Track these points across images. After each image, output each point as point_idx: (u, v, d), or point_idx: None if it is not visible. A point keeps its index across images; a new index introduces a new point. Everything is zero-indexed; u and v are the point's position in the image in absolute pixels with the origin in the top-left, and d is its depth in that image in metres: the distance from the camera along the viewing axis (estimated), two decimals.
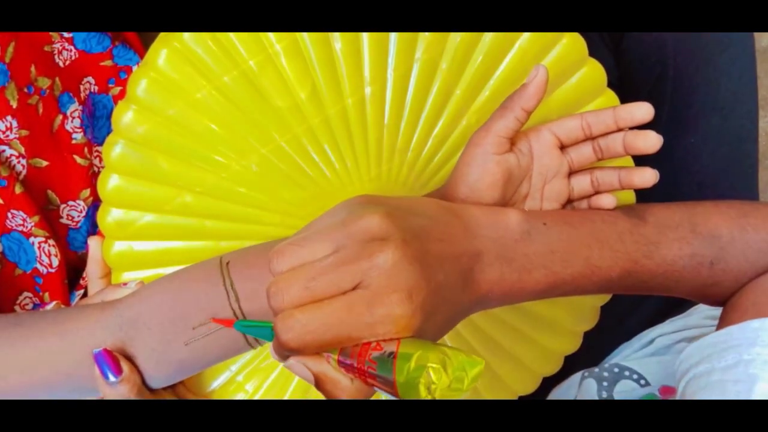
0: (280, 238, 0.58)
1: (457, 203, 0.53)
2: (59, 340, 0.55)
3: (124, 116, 0.59)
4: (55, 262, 0.68)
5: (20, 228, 0.67)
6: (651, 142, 0.53)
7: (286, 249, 0.44)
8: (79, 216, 0.71)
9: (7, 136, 0.66)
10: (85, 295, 0.67)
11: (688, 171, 0.78)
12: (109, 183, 0.61)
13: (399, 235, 0.43)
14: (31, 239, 0.67)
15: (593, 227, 0.53)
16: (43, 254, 0.68)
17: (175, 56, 0.58)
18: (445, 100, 0.63)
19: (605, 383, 0.72)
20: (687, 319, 0.77)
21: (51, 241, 0.68)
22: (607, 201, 0.56)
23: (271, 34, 0.58)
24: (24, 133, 0.67)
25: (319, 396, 0.65)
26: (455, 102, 0.63)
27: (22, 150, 0.67)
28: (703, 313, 0.77)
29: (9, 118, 0.66)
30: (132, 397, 0.55)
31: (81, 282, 0.71)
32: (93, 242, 0.64)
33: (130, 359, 0.55)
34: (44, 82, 0.69)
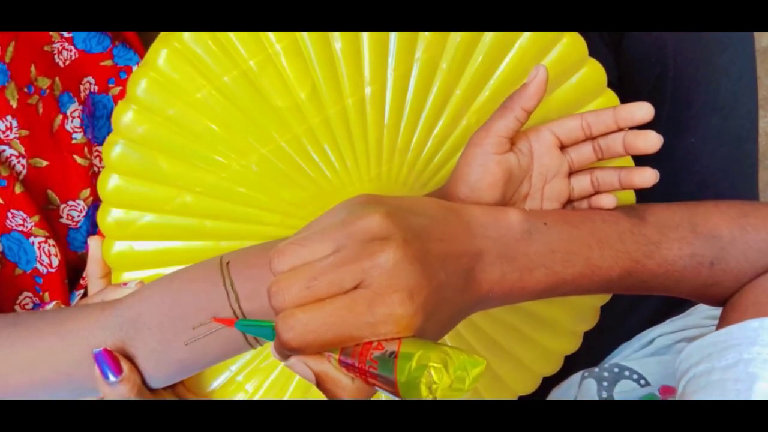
0: (280, 238, 0.58)
1: (457, 203, 0.53)
2: (59, 339, 0.55)
3: (124, 116, 0.59)
4: (55, 261, 0.68)
5: (20, 228, 0.67)
6: (651, 142, 0.53)
7: (287, 248, 0.44)
8: (79, 216, 0.71)
9: (7, 135, 0.66)
10: (85, 295, 0.67)
11: (688, 171, 0.78)
12: (109, 183, 0.61)
13: (400, 234, 0.43)
14: (31, 239, 0.67)
15: (594, 227, 0.53)
16: (43, 254, 0.68)
17: (175, 56, 0.58)
18: (445, 100, 0.63)
19: (605, 383, 0.72)
20: (687, 319, 0.77)
21: (51, 241, 0.68)
22: (607, 201, 0.56)
23: (271, 34, 0.58)
24: (24, 132, 0.67)
25: (319, 396, 0.65)
26: (455, 102, 0.63)
27: (22, 150, 0.67)
28: (703, 313, 0.77)
29: (9, 117, 0.66)
30: (132, 397, 0.55)
31: (81, 282, 0.71)
32: (93, 242, 0.64)
33: (130, 359, 0.55)
34: (44, 82, 0.69)
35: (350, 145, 0.61)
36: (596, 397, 0.72)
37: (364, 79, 0.60)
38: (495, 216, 0.50)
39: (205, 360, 0.56)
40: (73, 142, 0.70)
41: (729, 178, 0.79)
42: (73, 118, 0.71)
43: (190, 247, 0.62)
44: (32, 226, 0.67)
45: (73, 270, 0.72)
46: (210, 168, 0.60)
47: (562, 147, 0.57)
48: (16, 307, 0.68)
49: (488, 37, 0.62)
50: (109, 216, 0.61)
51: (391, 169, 0.63)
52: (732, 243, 0.53)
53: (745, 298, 0.53)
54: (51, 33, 0.70)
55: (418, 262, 0.43)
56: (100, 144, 0.72)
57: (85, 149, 0.71)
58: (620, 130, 0.55)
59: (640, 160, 0.59)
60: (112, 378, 0.54)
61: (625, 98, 0.62)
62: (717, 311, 0.56)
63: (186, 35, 0.58)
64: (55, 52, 0.71)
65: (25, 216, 0.67)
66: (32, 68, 0.68)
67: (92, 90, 0.73)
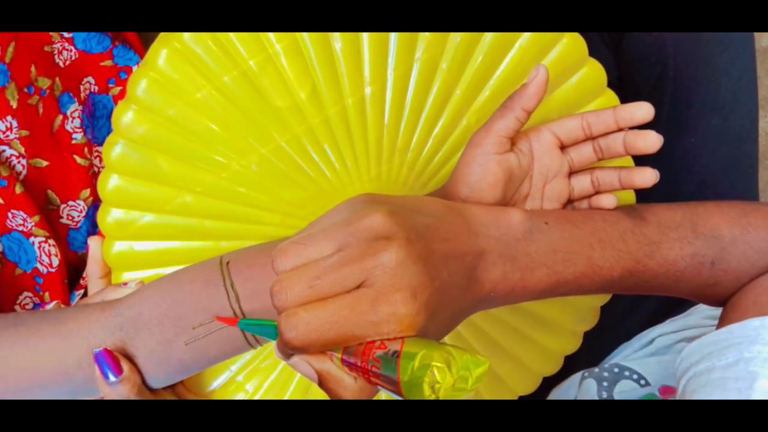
0: (280, 238, 0.58)
1: (459, 202, 0.53)
2: (59, 340, 0.55)
3: (124, 116, 0.59)
4: (55, 261, 0.68)
5: (20, 228, 0.67)
6: (651, 142, 0.53)
7: (290, 248, 0.44)
8: (79, 216, 0.71)
9: (7, 136, 0.66)
10: (85, 294, 0.67)
11: (688, 171, 0.78)
12: (109, 183, 0.61)
13: (403, 233, 0.43)
14: (32, 239, 0.67)
15: (595, 227, 0.53)
16: (43, 254, 0.68)
17: (175, 56, 0.58)
18: (445, 100, 0.63)
19: (605, 383, 0.72)
20: (687, 319, 0.77)
21: (51, 241, 0.68)
22: (607, 201, 0.56)
23: (271, 34, 0.58)
24: (24, 133, 0.67)
25: (319, 395, 0.65)
26: (455, 102, 0.63)
27: (22, 150, 0.67)
28: (703, 313, 0.77)
29: (9, 118, 0.66)
30: (132, 397, 0.55)
31: (81, 282, 0.71)
32: (93, 242, 0.64)
33: (130, 359, 0.55)
34: (44, 82, 0.69)
35: (350, 145, 0.61)
36: (596, 397, 0.72)
37: (364, 79, 0.60)
38: (496, 215, 0.50)
39: (205, 360, 0.56)
40: (73, 142, 0.70)
41: (729, 178, 0.79)
42: (73, 118, 0.71)
43: (190, 247, 0.62)
44: (32, 226, 0.67)
45: (73, 270, 0.72)
46: (210, 168, 0.60)
47: (563, 147, 0.57)
48: (17, 307, 0.68)
49: (488, 37, 0.62)
50: (109, 216, 0.61)
51: (391, 169, 0.63)
52: (733, 243, 0.53)
53: (745, 297, 0.53)
54: (51, 33, 0.70)
55: (421, 262, 0.43)
56: (100, 144, 0.72)
57: (85, 149, 0.71)
58: (620, 130, 0.55)
59: (640, 160, 0.59)
60: (112, 378, 0.54)
61: (625, 98, 0.62)
62: (717, 311, 0.56)
63: (186, 35, 0.58)
64: (55, 52, 0.71)
65: (25, 216, 0.67)
66: (32, 68, 0.68)
67: (92, 90, 0.73)
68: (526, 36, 0.62)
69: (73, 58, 0.72)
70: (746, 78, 0.77)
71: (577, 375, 0.75)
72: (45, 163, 0.69)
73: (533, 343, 0.69)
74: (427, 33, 0.60)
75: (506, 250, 0.49)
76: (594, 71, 0.64)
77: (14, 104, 0.66)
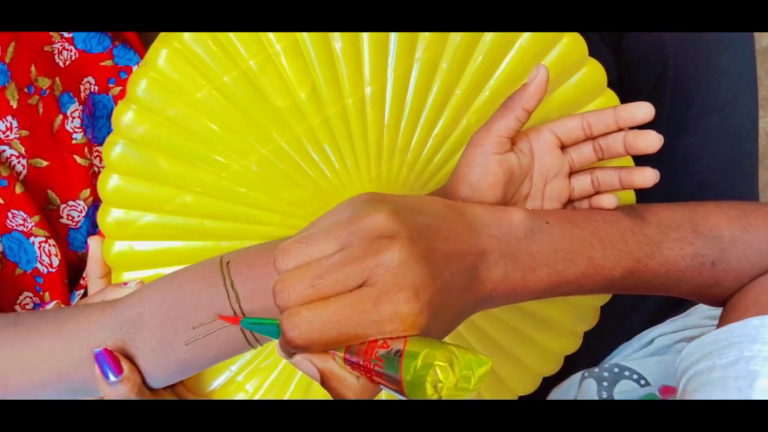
0: (280, 238, 0.58)
1: (460, 202, 0.53)
2: (59, 339, 0.55)
3: (124, 116, 0.59)
4: (56, 261, 0.68)
5: (20, 228, 0.67)
6: (651, 141, 0.53)
7: (292, 247, 0.44)
8: (79, 216, 0.71)
9: (8, 136, 0.66)
10: (85, 294, 0.67)
11: (688, 171, 0.78)
12: (109, 183, 0.61)
13: (406, 233, 0.43)
14: (32, 239, 0.67)
15: (596, 226, 0.53)
16: (43, 254, 0.68)
17: (175, 56, 0.58)
18: (445, 100, 0.63)
19: (605, 383, 0.72)
20: (687, 319, 0.77)
21: (51, 241, 0.68)
22: (608, 201, 0.56)
23: (271, 34, 0.58)
24: (24, 133, 0.67)
25: (319, 396, 0.65)
26: (455, 102, 0.63)
27: (22, 150, 0.67)
28: (703, 313, 0.77)
29: (9, 118, 0.66)
30: (132, 396, 0.55)
31: (81, 282, 0.71)
32: (93, 242, 0.64)
33: (130, 359, 0.55)
34: (44, 82, 0.69)
35: (350, 145, 0.61)
36: (596, 397, 0.72)
37: (364, 79, 0.60)
38: (498, 215, 0.50)
39: (205, 360, 0.56)
40: (73, 142, 0.70)
41: (729, 178, 0.79)
42: (73, 118, 0.71)
43: (190, 247, 0.62)
44: (32, 226, 0.67)
45: (73, 270, 0.72)
46: (210, 168, 0.60)
47: (563, 147, 0.57)
48: (17, 307, 0.68)
49: (488, 37, 0.62)
50: (109, 216, 0.61)
51: (391, 169, 0.63)
52: (733, 243, 0.53)
53: (745, 297, 0.53)
54: (51, 33, 0.70)
55: (423, 261, 0.43)
56: (100, 144, 0.72)
57: (85, 149, 0.71)
58: (620, 130, 0.55)
59: (640, 160, 0.59)
60: (112, 378, 0.54)
61: (625, 98, 0.62)
62: (717, 311, 0.56)
63: (186, 35, 0.58)
64: (55, 52, 0.71)
65: (25, 216, 0.67)
66: (32, 68, 0.68)
67: (92, 90, 0.73)
68: (526, 36, 0.62)
69: (73, 58, 0.72)
70: (746, 78, 0.77)
71: (577, 375, 0.75)
72: (45, 163, 0.69)
73: (533, 343, 0.69)
74: (427, 33, 0.60)
75: (508, 249, 0.49)
76: (594, 71, 0.64)
77: (14, 104, 0.66)
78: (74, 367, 0.55)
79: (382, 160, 0.62)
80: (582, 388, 0.73)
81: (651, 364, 0.74)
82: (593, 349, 0.75)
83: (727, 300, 0.54)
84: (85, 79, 0.72)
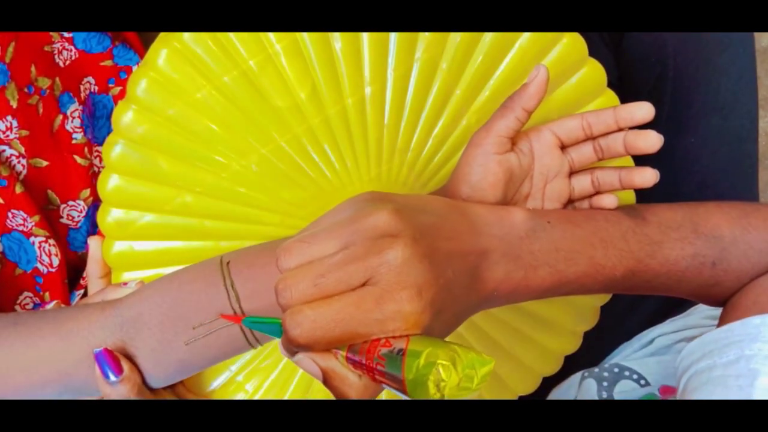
0: (280, 238, 0.58)
1: (461, 202, 0.53)
2: (59, 339, 0.55)
3: (124, 116, 0.59)
4: (56, 261, 0.68)
5: (20, 228, 0.67)
6: (651, 141, 0.53)
7: (294, 246, 0.44)
8: (79, 216, 0.71)
9: (8, 136, 0.66)
10: (85, 294, 0.67)
11: (688, 171, 0.78)
12: (109, 183, 0.61)
13: (409, 232, 0.43)
14: (32, 239, 0.67)
15: (597, 226, 0.53)
16: (43, 254, 0.68)
17: (175, 56, 0.58)
18: (445, 100, 0.63)
19: (605, 383, 0.72)
20: (687, 319, 0.77)
21: (51, 241, 0.68)
22: (608, 201, 0.56)
23: (271, 34, 0.58)
24: (24, 133, 0.67)
25: (319, 395, 0.65)
26: (455, 102, 0.63)
27: (23, 150, 0.67)
28: (703, 313, 0.77)
29: (9, 118, 0.66)
30: (132, 396, 0.55)
31: (81, 282, 0.71)
32: (93, 242, 0.64)
33: (130, 359, 0.55)
34: (44, 82, 0.69)
35: (350, 145, 0.61)
36: (596, 397, 0.72)
37: (364, 79, 0.60)
38: (499, 215, 0.50)
39: (205, 360, 0.56)
40: (73, 142, 0.70)
41: (729, 178, 0.79)
42: (73, 118, 0.71)
43: (190, 247, 0.62)
44: (32, 226, 0.67)
45: (73, 270, 0.72)
46: (210, 168, 0.60)
47: (563, 147, 0.57)
48: (17, 307, 0.68)
49: (488, 37, 0.62)
50: (109, 216, 0.61)
51: (391, 169, 0.63)
52: (733, 243, 0.53)
53: (746, 297, 0.53)
54: (51, 33, 0.70)
55: (426, 260, 0.43)
56: (100, 144, 0.72)
57: (85, 149, 0.71)
58: (620, 129, 0.55)
59: (640, 160, 0.59)
60: (112, 378, 0.54)
61: (625, 98, 0.62)
62: (717, 311, 0.56)
63: (186, 35, 0.58)
64: (55, 52, 0.71)
65: (25, 216, 0.67)
66: (32, 68, 0.68)
67: (92, 90, 0.73)
68: (526, 36, 0.62)
69: (73, 58, 0.72)
70: (746, 78, 0.77)
71: (577, 375, 0.75)
72: (45, 163, 0.69)
73: (533, 343, 0.69)
74: (427, 33, 0.60)
75: (509, 248, 0.49)
76: (594, 71, 0.64)
77: (14, 104, 0.66)
78: (74, 367, 0.55)
79: (382, 160, 0.62)
80: (582, 388, 0.73)
81: (651, 364, 0.74)
82: (593, 349, 0.75)
83: (728, 300, 0.55)
84: (85, 79, 0.72)
